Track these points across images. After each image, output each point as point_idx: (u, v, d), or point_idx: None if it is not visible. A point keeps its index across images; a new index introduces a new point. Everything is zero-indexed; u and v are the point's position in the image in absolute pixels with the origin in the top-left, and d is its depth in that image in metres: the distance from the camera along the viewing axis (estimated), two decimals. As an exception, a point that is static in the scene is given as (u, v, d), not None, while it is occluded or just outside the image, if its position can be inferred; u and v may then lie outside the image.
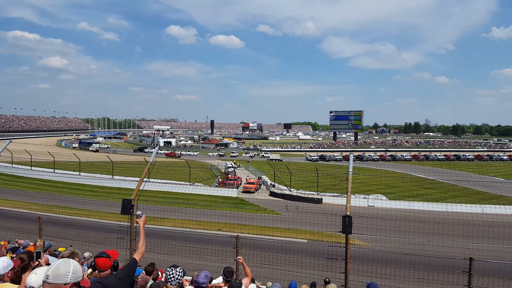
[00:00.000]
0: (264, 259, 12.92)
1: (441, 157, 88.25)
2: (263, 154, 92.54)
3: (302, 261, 13.44)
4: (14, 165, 50.08)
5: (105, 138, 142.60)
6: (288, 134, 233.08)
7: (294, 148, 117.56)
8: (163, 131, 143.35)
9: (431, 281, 11.53)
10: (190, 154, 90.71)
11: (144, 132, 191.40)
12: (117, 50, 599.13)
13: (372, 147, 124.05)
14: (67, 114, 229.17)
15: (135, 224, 8.24)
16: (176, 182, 43.68)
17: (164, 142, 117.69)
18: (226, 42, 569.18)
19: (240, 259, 5.60)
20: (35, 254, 4.70)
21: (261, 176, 50.90)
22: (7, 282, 3.84)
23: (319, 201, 36.03)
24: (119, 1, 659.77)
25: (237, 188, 41.96)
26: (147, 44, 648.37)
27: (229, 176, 49.38)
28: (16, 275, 3.96)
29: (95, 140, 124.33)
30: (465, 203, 34.18)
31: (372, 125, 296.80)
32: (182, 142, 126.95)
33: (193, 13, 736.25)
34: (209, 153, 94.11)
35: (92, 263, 4.33)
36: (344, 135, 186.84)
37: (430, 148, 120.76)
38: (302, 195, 37.95)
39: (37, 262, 4.66)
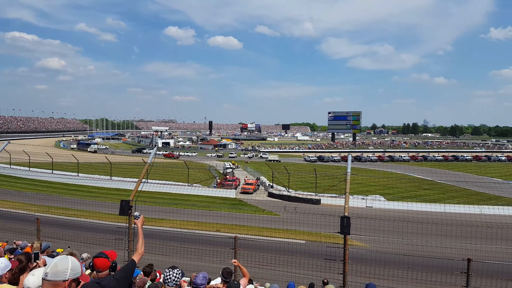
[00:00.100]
0: (262, 260, 12.92)
1: (439, 157, 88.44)
2: (261, 155, 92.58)
3: (300, 262, 13.43)
4: (12, 166, 49.98)
5: (103, 139, 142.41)
6: (286, 135, 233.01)
7: (292, 149, 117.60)
8: (161, 132, 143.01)
9: (429, 281, 11.54)
10: (188, 155, 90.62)
11: (142, 133, 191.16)
12: (115, 51, 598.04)
13: (371, 148, 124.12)
14: (66, 115, 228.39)
15: (133, 225, 8.24)
16: (174, 183, 43.65)
17: (163, 143, 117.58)
18: (225, 43, 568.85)
19: (235, 262, 5.60)
20: (33, 255, 4.69)
21: (259, 177, 50.91)
22: (5, 283, 3.83)
23: (317, 202, 36.04)
24: (117, 2, 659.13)
25: (236, 189, 41.93)
26: (145, 45, 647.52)
27: (228, 177, 49.39)
28: (14, 277, 3.95)
29: (93, 141, 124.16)
30: (463, 204, 34.24)
31: (370, 126, 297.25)
32: (181, 143, 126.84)
33: (191, 14, 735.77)
34: (208, 154, 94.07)
35: (91, 264, 4.33)
36: (342, 136, 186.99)
37: (428, 148, 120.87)
38: (300, 196, 37.96)
39: (35, 264, 4.65)
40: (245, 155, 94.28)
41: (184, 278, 5.29)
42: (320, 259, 11.46)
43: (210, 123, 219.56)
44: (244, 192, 41.05)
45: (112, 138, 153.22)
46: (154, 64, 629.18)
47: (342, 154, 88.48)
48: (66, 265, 2.94)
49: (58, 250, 8.36)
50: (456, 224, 21.85)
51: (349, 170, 8.53)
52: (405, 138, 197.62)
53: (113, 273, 4.29)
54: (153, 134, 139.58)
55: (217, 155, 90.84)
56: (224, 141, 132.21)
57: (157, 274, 7.71)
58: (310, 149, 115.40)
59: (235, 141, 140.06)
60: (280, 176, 44.77)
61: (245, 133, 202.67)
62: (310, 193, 39.32)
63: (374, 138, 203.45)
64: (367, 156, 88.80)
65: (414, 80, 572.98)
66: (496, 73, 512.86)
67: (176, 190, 40.05)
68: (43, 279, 2.89)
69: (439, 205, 34.10)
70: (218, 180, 47.47)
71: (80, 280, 3.08)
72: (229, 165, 62.55)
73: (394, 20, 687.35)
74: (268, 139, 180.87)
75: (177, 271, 4.78)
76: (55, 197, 32.86)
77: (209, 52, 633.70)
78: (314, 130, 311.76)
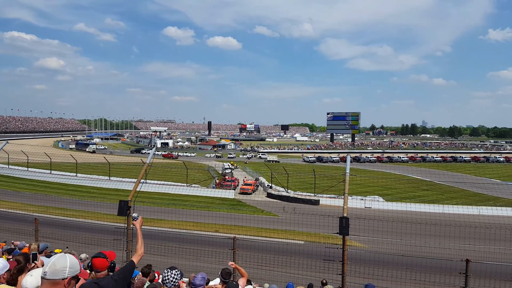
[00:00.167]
0: (261, 261, 12.92)
1: (437, 158, 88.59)
2: (260, 155, 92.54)
3: (299, 262, 13.43)
4: (10, 166, 49.89)
5: (102, 139, 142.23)
6: (285, 135, 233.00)
7: (291, 149, 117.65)
8: (160, 132, 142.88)
9: (428, 282, 11.54)
10: (187, 155, 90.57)
11: (141, 133, 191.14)
12: (114, 51, 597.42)
13: (369, 148, 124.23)
14: (64, 115, 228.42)
15: (131, 226, 8.23)
16: (173, 183, 43.63)
17: (161, 143, 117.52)
18: (224, 44, 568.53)
19: (233, 264, 5.60)
20: (31, 256, 4.68)
21: (258, 177, 50.91)
22: (3, 283, 3.82)
23: (316, 202, 36.05)
24: (117, 2, 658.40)
25: (234, 190, 41.92)
26: (145, 45, 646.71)
27: (226, 177, 49.37)
28: (12, 277, 3.94)
29: (92, 141, 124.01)
30: (461, 205, 34.27)
31: (369, 126, 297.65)
32: (179, 143, 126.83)
33: (191, 15, 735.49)
34: (206, 154, 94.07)
35: (89, 264, 4.32)
36: (341, 137, 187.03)
37: (427, 149, 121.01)
38: (299, 197, 37.97)
39: (33, 264, 4.64)
40: (244, 156, 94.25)
41: (183, 279, 5.28)
42: (319, 260, 11.46)
43: (209, 123, 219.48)
44: (243, 192, 41.04)
45: (111, 138, 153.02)
46: (153, 64, 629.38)
47: (341, 155, 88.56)
48: (65, 263, 2.94)
49: (57, 250, 8.34)
50: (455, 225, 21.87)
51: (348, 171, 8.53)
52: (404, 139, 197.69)
53: (112, 273, 4.28)
54: (152, 134, 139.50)
55: (216, 156, 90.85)
56: (223, 141, 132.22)
57: (156, 274, 7.70)
58: (309, 149, 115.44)
59: (234, 141, 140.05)
60: (279, 176, 44.78)
61: (244, 134, 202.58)
62: (309, 194, 39.33)
63: (373, 139, 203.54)
64: (366, 156, 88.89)
65: (413, 81, 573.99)
66: (494, 74, 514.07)
67: (175, 191, 40.03)
68: (42, 278, 2.89)
69: (437, 205, 34.14)
70: (217, 181, 47.44)
71: (79, 277, 3.08)
72: (228, 165, 62.52)
73: (393, 21, 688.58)
74: (267, 139, 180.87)
75: (176, 271, 4.78)
76: (54, 197, 32.80)
77: (208, 52, 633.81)
78: (313, 130, 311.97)
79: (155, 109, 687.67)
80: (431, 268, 12.20)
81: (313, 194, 38.62)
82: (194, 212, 28.13)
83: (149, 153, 10.42)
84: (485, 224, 22.12)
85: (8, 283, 3.85)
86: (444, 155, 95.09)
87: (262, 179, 48.96)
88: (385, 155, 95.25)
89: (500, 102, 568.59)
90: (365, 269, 11.92)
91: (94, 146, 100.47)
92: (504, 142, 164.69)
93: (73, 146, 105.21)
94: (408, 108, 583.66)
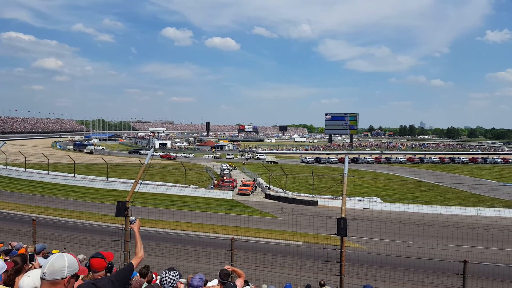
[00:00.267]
0: (259, 262, 12.91)
1: (435, 159, 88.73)
2: (258, 156, 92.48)
3: (297, 263, 13.43)
4: (8, 167, 49.70)
5: (100, 140, 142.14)
6: (283, 136, 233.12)
7: (289, 150, 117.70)
8: (158, 133, 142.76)
9: (426, 283, 11.56)
10: (185, 156, 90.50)
11: (139, 134, 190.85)
12: (112, 52, 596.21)
13: (367, 149, 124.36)
14: (62, 115, 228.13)
15: (129, 229, 8.22)
16: (171, 184, 43.60)
17: (160, 144, 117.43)
18: (222, 44, 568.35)
19: (229, 268, 5.60)
20: (28, 256, 4.67)
21: (256, 178, 50.90)
22: (0, 285, 3.81)
23: (314, 203, 36.06)
24: (115, 2, 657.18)
25: (233, 190, 41.93)
26: (143, 45, 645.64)
27: (225, 178, 49.35)
28: (9, 278, 3.94)
29: (90, 141, 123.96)
30: (459, 206, 34.36)
31: (367, 127, 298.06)
32: (178, 144, 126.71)
33: (189, 15, 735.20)
34: (205, 155, 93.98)
35: (87, 264, 4.31)
36: (339, 138, 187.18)
37: (425, 150, 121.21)
38: (297, 198, 37.97)
39: (30, 265, 4.63)
40: (242, 157, 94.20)
41: (180, 280, 5.28)
42: (317, 261, 11.49)
43: (208, 124, 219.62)
44: (241, 193, 41.03)
45: (109, 139, 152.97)
46: (152, 65, 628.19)
47: (339, 156, 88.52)
48: (63, 263, 2.95)
49: (54, 251, 8.32)
50: (453, 226, 21.91)
51: (346, 172, 8.54)
52: (402, 140, 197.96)
53: (109, 274, 4.27)
54: (150, 135, 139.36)
55: (214, 156, 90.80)
56: (221, 142, 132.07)
57: (154, 275, 7.69)
58: (307, 150, 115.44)
59: (232, 142, 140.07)
60: (277, 177, 44.78)
61: (242, 135, 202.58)
62: (307, 195, 39.34)
63: (371, 140, 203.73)
64: (364, 157, 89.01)
65: (411, 82, 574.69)
66: (492, 76, 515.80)
67: (173, 191, 39.99)
68: (41, 278, 2.90)
69: (435, 207, 34.18)
70: (215, 182, 47.41)
71: (79, 274, 3.09)
72: (226, 166, 62.49)
73: (391, 23, 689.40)
74: (265, 140, 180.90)
75: (174, 273, 4.77)
76: (51, 198, 32.76)
77: (206, 53, 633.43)
78: (311, 131, 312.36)
79: (153, 110, 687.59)
80: (429, 269, 12.21)
81: (311, 195, 38.64)
82: (192, 213, 28.10)
83: (147, 154, 10.41)
84: (483, 225, 22.18)
85: (5, 284, 3.84)
86: (442, 156, 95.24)
87: (260, 180, 48.96)
88: (383, 156, 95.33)
89: (498, 104, 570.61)
90: (363, 270, 11.93)
91: (92, 147, 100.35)
92: (502, 143, 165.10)
93: (71, 146, 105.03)
94: (406, 109, 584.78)
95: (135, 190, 8.38)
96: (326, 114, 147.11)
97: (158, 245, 12.82)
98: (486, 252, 17.60)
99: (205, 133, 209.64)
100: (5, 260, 4.64)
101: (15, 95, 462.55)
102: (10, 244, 9.41)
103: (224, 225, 24.02)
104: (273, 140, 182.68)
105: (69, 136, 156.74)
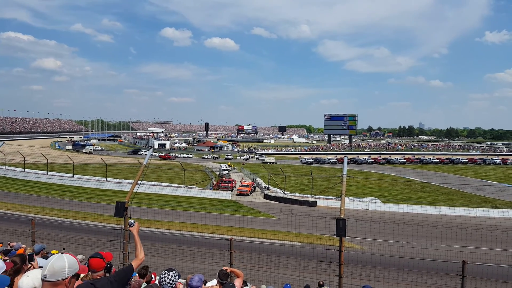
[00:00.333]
0: (258, 262, 12.91)
1: (434, 160, 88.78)
2: (257, 156, 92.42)
3: (296, 264, 13.43)
4: (7, 167, 49.68)
5: (99, 140, 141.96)
6: (283, 137, 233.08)
7: (288, 151, 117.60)
8: (157, 133, 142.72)
9: (425, 283, 11.57)
10: (184, 157, 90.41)
11: (138, 134, 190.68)
12: (111, 52, 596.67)
13: (367, 150, 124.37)
14: (61, 116, 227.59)
15: (128, 232, 8.22)
16: (170, 184, 43.58)
17: (159, 144, 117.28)
18: (221, 45, 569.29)
19: (227, 269, 5.61)
20: (27, 257, 4.66)
21: (255, 178, 50.88)
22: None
23: (313, 204, 36.07)
24: (114, 3, 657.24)
25: (232, 191, 41.91)
26: (142, 46, 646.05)
27: (224, 178, 49.33)
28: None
29: (89, 142, 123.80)
30: (458, 206, 34.37)
31: (366, 128, 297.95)
32: (177, 145, 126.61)
33: (188, 16, 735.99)
34: (204, 156, 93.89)
35: (86, 264, 4.31)
36: (338, 138, 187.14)
37: (424, 151, 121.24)
38: (296, 198, 37.97)
39: (29, 265, 4.62)
40: (241, 157, 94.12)
41: (179, 280, 5.28)
42: (316, 261, 11.49)
43: (207, 124, 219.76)
44: (240, 194, 41.02)
45: (108, 139, 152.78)
46: (151, 65, 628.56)
47: (338, 156, 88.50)
48: (63, 263, 2.96)
49: (53, 251, 8.31)
50: (451, 226, 21.93)
51: (345, 172, 8.55)
52: (401, 141, 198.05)
53: (108, 274, 4.27)
54: (149, 135, 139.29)
55: (213, 157, 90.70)
56: (220, 142, 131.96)
57: (153, 276, 7.68)
58: (306, 151, 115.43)
59: (231, 142, 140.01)
60: (276, 178, 44.77)
61: (242, 135, 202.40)
62: (306, 195, 39.35)
63: (370, 140, 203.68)
64: (363, 158, 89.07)
65: (410, 83, 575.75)
66: (491, 76, 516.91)
67: (172, 192, 39.94)
68: (42, 280, 2.91)
69: (434, 207, 34.20)
70: (214, 182, 47.39)
71: (79, 274, 3.10)
72: (225, 166, 62.44)
73: (390, 23, 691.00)
74: (264, 141, 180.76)
75: (173, 273, 4.76)
76: (50, 198, 32.75)
77: (205, 53, 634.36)
78: (311, 132, 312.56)
79: (153, 110, 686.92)
80: (428, 269, 12.23)
81: (310, 196, 38.64)
82: (191, 214, 28.10)
83: (146, 154, 10.40)
84: (482, 226, 22.21)
85: (4, 285, 3.84)
86: (441, 156, 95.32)
87: (259, 180, 48.94)
88: (382, 156, 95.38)
89: (497, 104, 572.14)
90: (362, 271, 11.94)
91: (91, 147, 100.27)
92: (501, 144, 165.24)
93: (70, 147, 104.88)
94: (405, 110, 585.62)
95: (134, 190, 8.38)
96: (325, 115, 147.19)
97: (157, 246, 12.82)
98: (484, 253, 17.62)
99: (204, 134, 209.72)
100: (4, 261, 4.64)
101: (14, 95, 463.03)
102: (9, 244, 9.40)
103: (223, 226, 24.02)
104: (272, 141, 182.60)
105: (68, 137, 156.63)
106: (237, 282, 5.38)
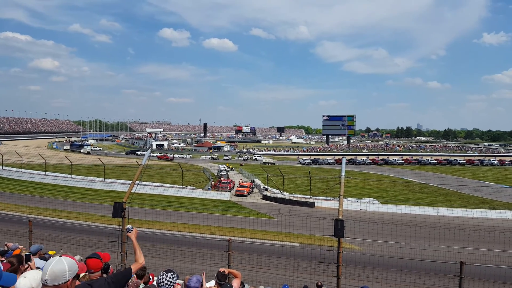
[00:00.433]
0: (256, 263, 12.91)
1: (432, 161, 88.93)
2: (256, 157, 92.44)
3: (294, 264, 13.43)
4: (4, 167, 49.59)
5: (97, 140, 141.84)
6: (281, 137, 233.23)
7: (287, 151, 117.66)
8: (155, 133, 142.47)
9: (423, 284, 11.59)
10: (182, 157, 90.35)
11: (136, 134, 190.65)
12: (110, 52, 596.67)
13: (365, 151, 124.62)
14: (59, 116, 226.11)
15: (126, 230, 8.19)
16: (168, 185, 43.51)
17: (157, 145, 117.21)
18: (220, 45, 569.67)
19: (225, 271, 5.60)
20: (24, 257, 4.64)
21: (254, 179, 50.87)
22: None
23: (311, 204, 36.06)
24: (112, 3, 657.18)
25: (230, 192, 41.86)
26: (140, 46, 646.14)
27: (222, 179, 49.27)
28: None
29: (86, 142, 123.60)
30: (456, 207, 34.35)
31: (364, 129, 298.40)
32: (175, 145, 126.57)
33: (187, 16, 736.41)
34: (202, 156, 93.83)
35: (84, 263, 4.29)
36: (337, 139, 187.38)
37: (422, 152, 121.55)
38: (294, 199, 37.96)
39: (26, 266, 4.61)
40: (240, 158, 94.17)
41: (177, 281, 5.27)
42: (314, 262, 11.47)
43: (205, 125, 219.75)
44: (238, 194, 40.98)
45: (106, 140, 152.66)
46: (149, 66, 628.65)
47: (337, 157, 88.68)
48: (63, 267, 2.96)
49: (50, 252, 8.29)
50: (449, 227, 21.97)
51: (343, 173, 8.54)
52: (399, 142, 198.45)
53: (106, 275, 4.25)
54: (147, 136, 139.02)
55: (212, 157, 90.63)
56: (218, 143, 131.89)
57: (150, 277, 7.66)
58: (304, 152, 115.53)
59: (229, 143, 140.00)
60: (274, 178, 44.76)
61: (240, 136, 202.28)
62: (304, 196, 39.34)
63: (368, 141, 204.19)
64: (361, 159, 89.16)
65: (408, 84, 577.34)
66: (488, 78, 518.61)
67: (170, 192, 39.87)
68: (43, 285, 2.91)
69: (432, 208, 34.20)
70: (213, 183, 47.36)
71: (79, 274, 3.11)
72: (224, 167, 62.40)
73: (388, 25, 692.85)
74: (263, 141, 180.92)
75: (171, 274, 4.75)
76: (48, 198, 32.66)
77: (204, 54, 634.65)
78: (309, 133, 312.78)
79: (151, 111, 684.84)
80: (425, 270, 12.23)
81: (308, 196, 38.64)
82: (189, 214, 28.06)
83: (144, 154, 10.39)
84: (479, 227, 22.24)
85: (1, 285, 3.82)
86: (439, 157, 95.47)
87: (257, 181, 48.92)
88: (380, 157, 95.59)
89: (495, 106, 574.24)
90: (360, 272, 11.93)
91: (89, 147, 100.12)
92: (499, 145, 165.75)
93: (68, 147, 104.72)
94: (403, 111, 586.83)
95: (132, 191, 8.36)
96: (323, 116, 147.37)
97: (155, 246, 12.80)
98: (482, 254, 17.64)
99: (202, 134, 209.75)
100: (1, 261, 4.62)
101: (12, 96, 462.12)
102: (6, 245, 9.37)
103: (221, 226, 24.00)
104: (271, 141, 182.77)
105: (65, 137, 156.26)
106: (235, 283, 5.37)
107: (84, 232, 18.55)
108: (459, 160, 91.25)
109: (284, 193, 40.71)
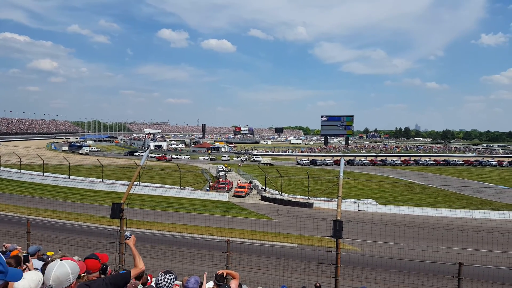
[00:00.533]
0: (254, 264, 12.90)
1: (431, 162, 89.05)
2: (254, 158, 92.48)
3: (292, 265, 13.43)
4: (2, 168, 49.48)
5: (95, 141, 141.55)
6: (279, 138, 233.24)
7: (285, 152, 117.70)
8: (154, 134, 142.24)
9: (421, 285, 11.59)
10: (181, 158, 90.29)
11: (134, 135, 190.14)
12: (108, 53, 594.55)
13: (363, 151, 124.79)
14: (57, 117, 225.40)
15: (124, 231, 8.19)
16: (166, 186, 43.47)
17: (155, 145, 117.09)
18: (218, 46, 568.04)
19: (224, 272, 5.59)
20: (22, 258, 4.64)
21: (252, 180, 50.88)
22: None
23: (310, 205, 36.09)
24: (111, 4, 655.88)
25: (228, 192, 41.87)
26: (139, 47, 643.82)
27: (220, 180, 49.29)
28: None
29: (85, 143, 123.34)
30: (454, 208, 34.44)
31: (363, 130, 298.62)
32: (173, 146, 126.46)
33: (185, 17, 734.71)
34: (200, 157, 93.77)
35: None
36: (335, 140, 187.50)
37: (420, 153, 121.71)
38: (293, 200, 37.98)
39: (24, 266, 4.60)
40: (238, 158, 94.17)
41: (176, 282, 5.27)
42: (312, 263, 11.47)
43: (203, 126, 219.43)
44: (236, 195, 40.98)
45: (104, 141, 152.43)
46: (147, 67, 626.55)
47: (335, 158, 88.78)
48: (67, 271, 3.01)
49: (49, 253, 8.27)
50: (448, 228, 22.00)
51: (341, 174, 8.54)
52: (398, 143, 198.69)
53: (104, 276, 4.24)
54: (145, 136, 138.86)
55: (210, 158, 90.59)
56: (217, 144, 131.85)
57: (149, 278, 7.66)
58: (303, 152, 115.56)
59: (228, 144, 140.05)
60: (273, 179, 44.78)
61: (238, 136, 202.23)
62: (302, 197, 39.36)
63: (367, 142, 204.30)
64: (360, 160, 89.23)
65: (406, 84, 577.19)
66: (487, 79, 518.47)
67: (169, 193, 39.80)
68: None
69: (430, 209, 34.21)
70: (211, 183, 47.36)
71: (81, 274, 3.14)
72: (222, 168, 62.42)
73: (386, 25, 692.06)
74: (261, 142, 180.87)
75: (170, 276, 4.74)
76: (46, 199, 32.61)
77: (202, 55, 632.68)
78: (307, 133, 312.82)
79: (149, 111, 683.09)
80: (424, 271, 12.25)
81: (307, 197, 38.66)
82: (187, 215, 28.03)
83: (142, 155, 10.38)
84: (478, 228, 22.27)
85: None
86: (437, 158, 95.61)
87: (256, 182, 48.94)
88: (379, 158, 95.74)
89: (493, 106, 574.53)
90: (359, 272, 11.95)
91: (87, 148, 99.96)
92: (497, 146, 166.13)
93: (66, 148, 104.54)
94: (402, 112, 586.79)
95: (130, 191, 8.35)
96: (322, 116, 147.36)
97: (153, 247, 12.79)
98: (481, 255, 17.68)
99: (201, 135, 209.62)
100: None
101: (10, 96, 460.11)
102: (4, 246, 9.35)
103: (219, 227, 23.98)
104: (269, 142, 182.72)
105: (64, 137, 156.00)
106: (233, 284, 5.37)
107: (82, 233, 18.53)
108: (458, 161, 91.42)
109: (282, 194, 40.72)
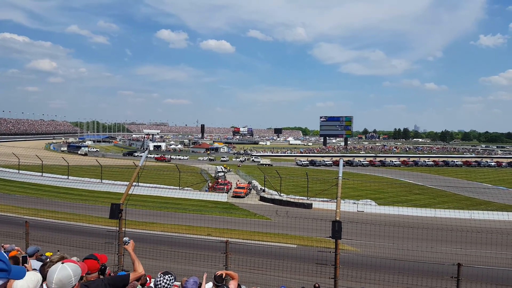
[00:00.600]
0: (253, 264, 12.88)
1: (429, 163, 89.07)
2: (253, 158, 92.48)
3: (291, 266, 13.42)
4: (1, 169, 49.38)
5: (94, 141, 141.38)
6: (278, 139, 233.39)
7: (284, 153, 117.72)
8: (153, 135, 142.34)
9: (420, 286, 11.59)
10: (180, 159, 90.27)
11: (133, 136, 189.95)
12: (107, 54, 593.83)
13: (362, 152, 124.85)
14: (56, 117, 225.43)
15: (123, 231, 8.18)
16: (165, 186, 43.42)
17: (154, 146, 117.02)
18: (217, 47, 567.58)
19: (223, 273, 5.59)
20: (21, 259, 4.62)
21: (251, 180, 50.86)
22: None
23: (309, 206, 36.09)
24: (110, 4, 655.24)
25: (227, 193, 41.86)
26: (138, 47, 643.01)
27: (219, 180, 49.26)
28: (2, 281, 3.89)
29: (84, 143, 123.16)
30: (453, 209, 34.49)
31: (361, 130, 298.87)
32: (172, 146, 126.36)
33: (184, 18, 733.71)
34: (199, 158, 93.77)
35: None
36: (334, 141, 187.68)
37: (419, 154, 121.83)
38: (292, 200, 37.98)
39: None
40: (237, 159, 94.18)
41: (175, 283, 5.26)
42: (311, 264, 11.47)
43: (202, 126, 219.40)
44: (235, 196, 40.97)
45: (103, 141, 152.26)
46: (146, 67, 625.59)
47: (334, 159, 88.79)
48: (69, 274, 3.03)
49: (47, 254, 8.25)
50: (446, 229, 22.01)
51: (340, 175, 8.55)
52: (396, 143, 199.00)
53: (102, 276, 4.23)
54: (144, 137, 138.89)
55: (209, 159, 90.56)
56: (216, 144, 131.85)
57: (147, 278, 7.64)
58: (302, 153, 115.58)
59: (227, 144, 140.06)
60: (272, 180, 44.78)
61: (237, 137, 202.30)
62: (301, 197, 39.37)
63: (366, 143, 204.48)
64: (359, 160, 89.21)
65: (405, 85, 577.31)
66: (485, 80, 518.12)
67: (167, 194, 39.80)
68: None
69: (429, 210, 34.25)
70: (210, 184, 47.32)
71: (82, 276, 3.15)
72: (221, 168, 62.39)
73: (385, 26, 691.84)
74: (260, 143, 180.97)
75: (169, 277, 4.73)
76: (45, 200, 32.55)
77: (201, 55, 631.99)
78: (306, 134, 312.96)
79: (148, 112, 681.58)
80: (423, 272, 12.25)
81: (306, 198, 38.66)
82: (186, 216, 27.99)
83: (141, 156, 10.37)
84: (477, 228, 22.27)
85: (-2, 287, 3.80)
86: (436, 159, 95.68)
87: (255, 182, 48.94)
88: (378, 159, 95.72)
89: (491, 107, 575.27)
90: (358, 273, 11.95)
91: (86, 149, 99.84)
92: (496, 147, 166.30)
93: (65, 148, 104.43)
94: (400, 113, 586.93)
95: (129, 192, 8.34)
96: (321, 117, 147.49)
97: (152, 248, 12.78)
98: (480, 255, 17.69)
99: (200, 135, 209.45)
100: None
101: (9, 97, 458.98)
102: (2, 246, 9.32)
103: (218, 228, 23.96)
104: (268, 143, 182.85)
105: (63, 138, 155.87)
106: (232, 285, 5.36)
107: (81, 234, 18.49)
108: (456, 161, 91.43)
109: (281, 194, 40.72)
